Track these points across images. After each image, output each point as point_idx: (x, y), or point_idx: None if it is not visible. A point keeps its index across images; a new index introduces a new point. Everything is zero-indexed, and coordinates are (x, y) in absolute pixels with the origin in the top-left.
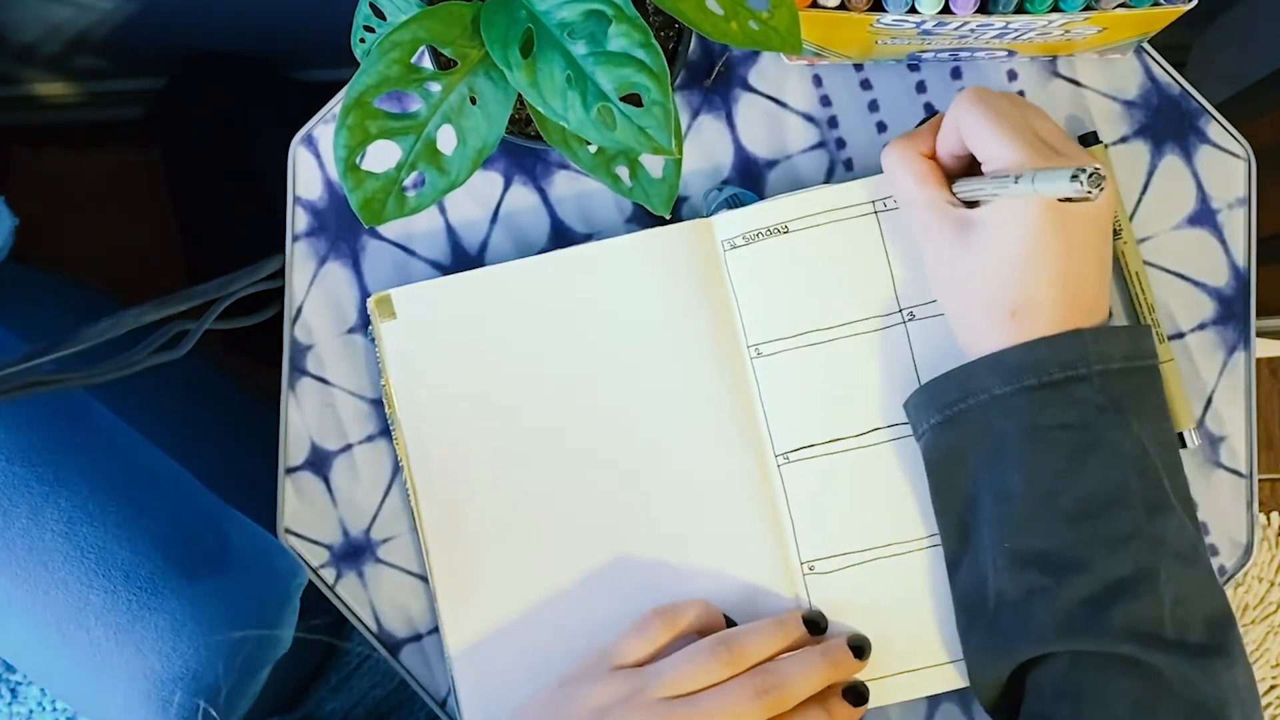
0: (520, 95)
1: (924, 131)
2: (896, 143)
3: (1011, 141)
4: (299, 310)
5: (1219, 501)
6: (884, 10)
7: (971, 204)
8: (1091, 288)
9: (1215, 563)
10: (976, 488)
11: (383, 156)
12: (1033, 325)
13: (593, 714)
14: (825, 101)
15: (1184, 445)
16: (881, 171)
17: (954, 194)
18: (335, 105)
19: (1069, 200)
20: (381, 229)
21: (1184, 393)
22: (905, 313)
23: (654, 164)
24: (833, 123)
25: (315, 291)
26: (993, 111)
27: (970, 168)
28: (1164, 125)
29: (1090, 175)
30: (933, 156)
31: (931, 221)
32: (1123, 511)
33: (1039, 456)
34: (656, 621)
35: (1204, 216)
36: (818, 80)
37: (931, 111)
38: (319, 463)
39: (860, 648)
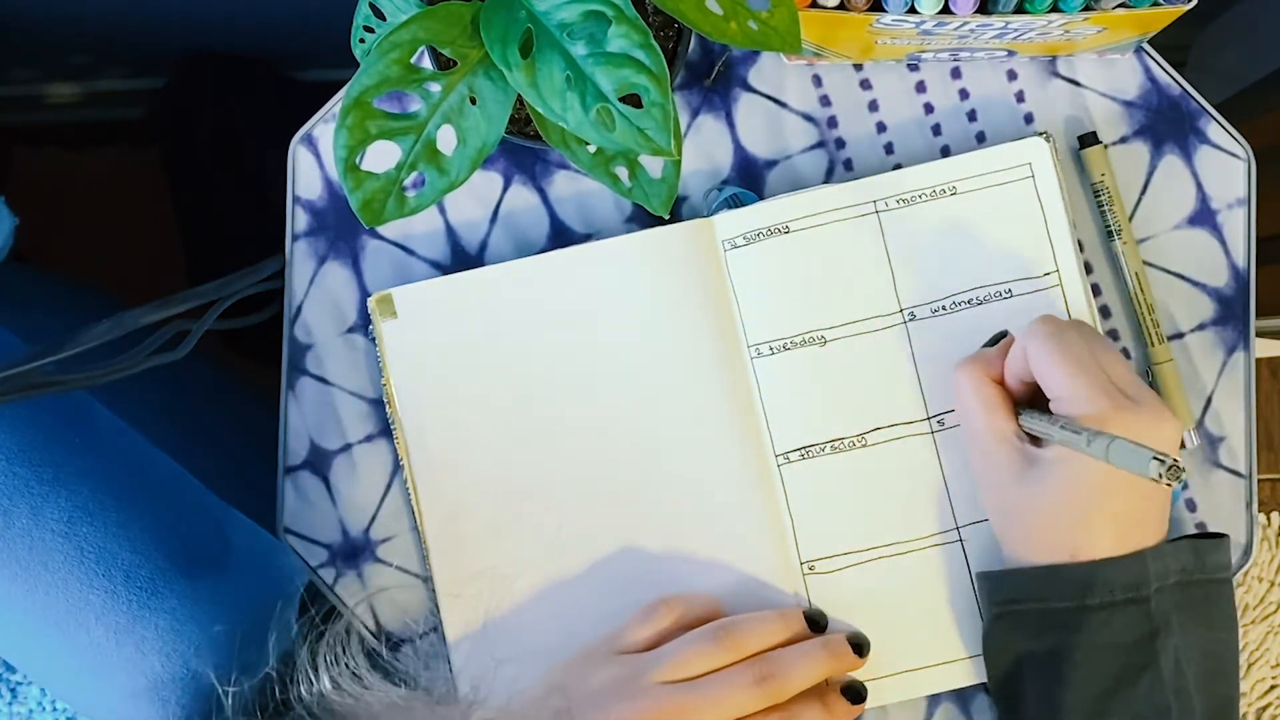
0: (520, 95)
1: (994, 354)
2: (967, 364)
3: (1083, 388)
4: (299, 310)
5: (1219, 501)
6: (883, 10)
7: (1034, 437)
8: (1155, 516)
9: None
10: (1026, 685)
11: (383, 156)
12: (1091, 557)
13: (592, 696)
14: (825, 101)
15: (1183, 446)
16: (881, 171)
17: (1020, 425)
18: (335, 105)
19: None
20: (381, 229)
21: (1183, 393)
22: (905, 313)
23: (653, 164)
24: (832, 123)
25: (315, 291)
26: (1063, 349)
27: (1037, 392)
28: (1164, 125)
29: (1170, 468)
30: (1001, 380)
31: (994, 452)
32: None
33: (1091, 675)
34: (662, 609)
35: (1204, 217)
36: (817, 80)
37: (930, 110)
38: (318, 462)
39: (860, 646)
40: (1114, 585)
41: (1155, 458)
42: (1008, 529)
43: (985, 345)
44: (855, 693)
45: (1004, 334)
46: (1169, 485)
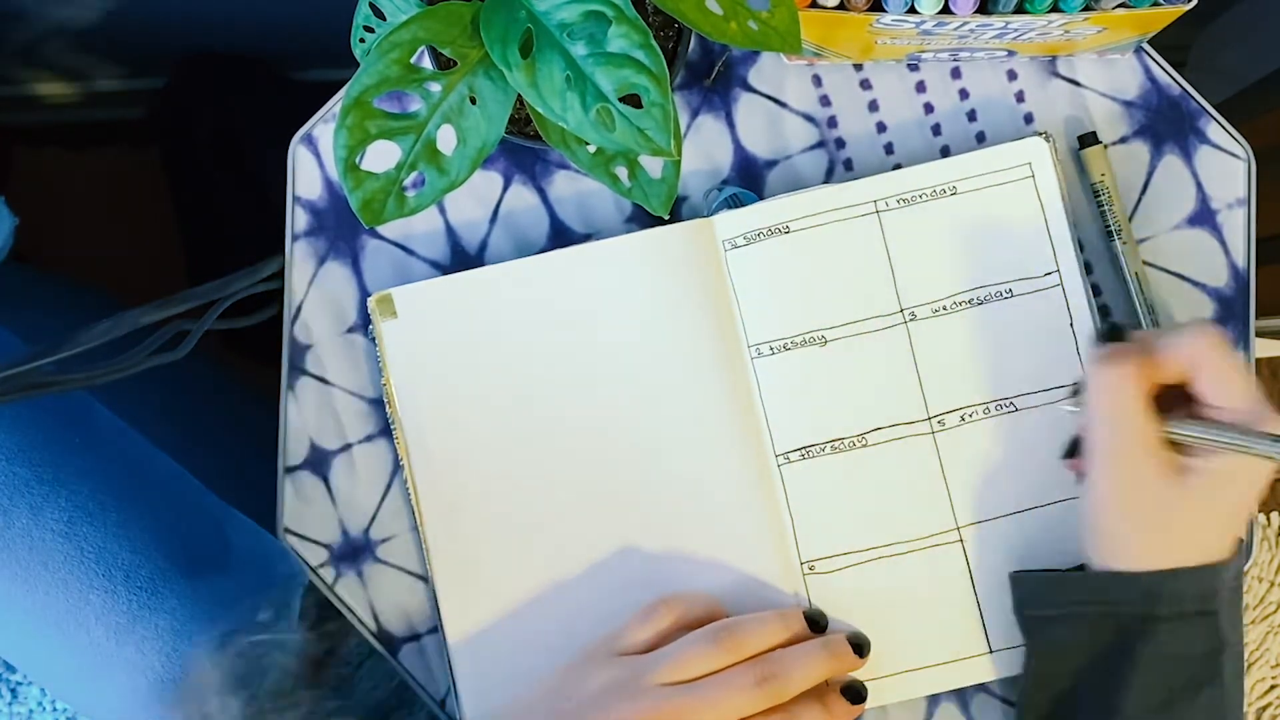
0: (520, 95)
1: (1138, 356)
2: (1113, 364)
3: (1263, 402)
4: (298, 310)
5: None
6: (883, 10)
7: (1174, 445)
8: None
9: None
10: (1080, 689)
11: (382, 156)
12: (1220, 559)
13: (592, 698)
14: (825, 101)
15: None
16: (881, 171)
17: (1167, 432)
18: (335, 105)
19: None
20: (381, 229)
21: None
22: (906, 313)
23: (653, 164)
24: (832, 122)
25: (315, 291)
26: (1237, 361)
27: (1161, 398)
28: (1164, 125)
29: None
30: (1143, 384)
31: (1137, 456)
32: None
33: (1154, 683)
34: (661, 609)
35: (1203, 217)
36: (817, 80)
37: (930, 110)
38: (318, 462)
39: (860, 646)
40: (1188, 597)
41: None
42: (1127, 528)
43: (1102, 338)
44: (855, 693)
45: (1119, 328)
46: None
